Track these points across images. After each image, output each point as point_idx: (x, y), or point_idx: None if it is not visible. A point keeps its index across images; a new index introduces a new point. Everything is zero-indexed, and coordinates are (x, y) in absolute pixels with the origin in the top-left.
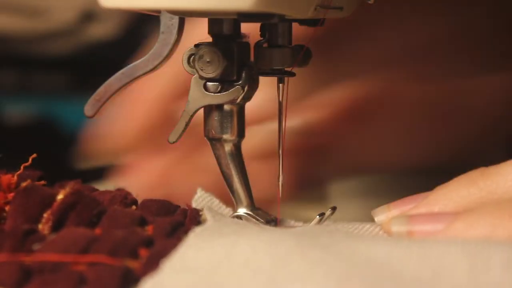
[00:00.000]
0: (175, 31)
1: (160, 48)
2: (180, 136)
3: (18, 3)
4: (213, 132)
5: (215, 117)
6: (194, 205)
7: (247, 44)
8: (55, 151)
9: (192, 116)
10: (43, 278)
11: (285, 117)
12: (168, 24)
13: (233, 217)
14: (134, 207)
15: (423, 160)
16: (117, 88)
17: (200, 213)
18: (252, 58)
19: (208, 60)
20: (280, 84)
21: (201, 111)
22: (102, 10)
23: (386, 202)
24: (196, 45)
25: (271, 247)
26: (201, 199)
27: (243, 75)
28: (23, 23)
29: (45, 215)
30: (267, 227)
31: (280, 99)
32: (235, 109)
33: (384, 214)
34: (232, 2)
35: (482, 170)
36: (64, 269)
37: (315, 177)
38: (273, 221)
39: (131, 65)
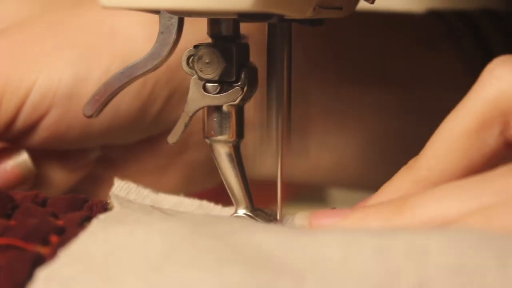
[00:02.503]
0: (174, 31)
1: (159, 48)
2: (180, 137)
3: None
4: (212, 133)
5: (214, 118)
6: (112, 196)
7: (247, 45)
8: None
9: (191, 117)
10: None
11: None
12: (168, 24)
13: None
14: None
15: None
16: (116, 87)
17: (108, 201)
18: (251, 59)
19: (207, 61)
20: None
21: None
22: None
23: None
24: (196, 46)
25: (166, 235)
26: (118, 189)
27: (242, 76)
28: None
29: None
30: (176, 214)
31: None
32: (234, 110)
33: (302, 223)
34: (232, 2)
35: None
36: None
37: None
38: (272, 222)
39: (131, 64)
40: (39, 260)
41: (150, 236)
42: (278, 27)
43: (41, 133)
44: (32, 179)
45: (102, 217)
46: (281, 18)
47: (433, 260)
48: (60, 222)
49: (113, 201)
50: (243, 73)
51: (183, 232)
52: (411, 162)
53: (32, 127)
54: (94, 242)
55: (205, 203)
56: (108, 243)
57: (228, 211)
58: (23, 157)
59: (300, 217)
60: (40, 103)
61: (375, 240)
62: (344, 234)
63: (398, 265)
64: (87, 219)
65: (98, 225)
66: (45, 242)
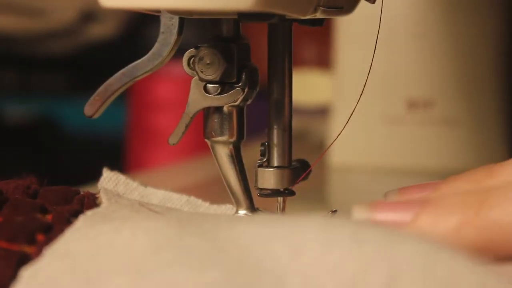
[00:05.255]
0: (175, 31)
1: (160, 48)
2: (180, 138)
3: (18, 3)
4: (213, 134)
5: (215, 119)
6: (99, 187)
7: (247, 45)
8: (54, 150)
9: (192, 118)
10: None
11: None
12: (168, 24)
13: None
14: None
15: None
16: (117, 87)
17: (97, 195)
18: (252, 60)
19: (208, 62)
20: None
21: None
22: (102, 10)
23: None
24: (196, 47)
25: (151, 234)
26: (106, 180)
27: (243, 77)
28: (23, 23)
29: None
30: (164, 211)
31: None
32: (235, 110)
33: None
34: (232, 2)
35: (488, 167)
36: None
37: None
38: None
39: (131, 65)
40: (25, 260)
41: (136, 235)
42: (279, 27)
43: None
44: None
45: (89, 213)
46: (281, 18)
47: (405, 252)
48: (48, 217)
49: (102, 195)
50: (244, 73)
51: (168, 231)
52: (491, 166)
53: None
54: (79, 240)
55: (193, 199)
56: (93, 242)
57: (216, 208)
58: None
59: (358, 210)
60: None
61: (350, 227)
62: (320, 221)
63: (372, 255)
64: (76, 214)
65: (84, 222)
66: (31, 241)
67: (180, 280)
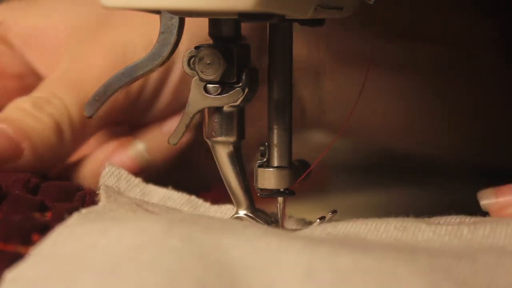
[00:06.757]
0: (175, 31)
1: (160, 48)
2: (181, 138)
3: None
4: (213, 134)
5: (215, 119)
6: (101, 181)
7: (247, 46)
8: None
9: (192, 118)
10: None
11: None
12: (168, 24)
13: (234, 218)
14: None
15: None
16: (117, 87)
17: (97, 192)
18: (252, 61)
19: (208, 62)
20: None
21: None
22: None
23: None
24: (197, 47)
25: (137, 236)
26: (108, 175)
27: (243, 77)
28: None
29: None
30: (161, 211)
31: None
32: (235, 111)
33: (489, 200)
34: (233, 2)
35: None
36: None
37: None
38: (273, 223)
39: (131, 65)
40: (18, 259)
41: (122, 236)
42: (279, 27)
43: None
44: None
45: (84, 211)
46: (282, 18)
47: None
48: (47, 215)
49: (102, 193)
50: (244, 74)
51: (153, 232)
52: None
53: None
54: (66, 239)
55: (193, 199)
56: (78, 242)
57: (216, 209)
58: (139, 148)
59: (484, 196)
60: None
61: (337, 258)
62: (310, 249)
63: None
64: (76, 211)
65: (77, 220)
66: (26, 241)
67: (150, 285)
